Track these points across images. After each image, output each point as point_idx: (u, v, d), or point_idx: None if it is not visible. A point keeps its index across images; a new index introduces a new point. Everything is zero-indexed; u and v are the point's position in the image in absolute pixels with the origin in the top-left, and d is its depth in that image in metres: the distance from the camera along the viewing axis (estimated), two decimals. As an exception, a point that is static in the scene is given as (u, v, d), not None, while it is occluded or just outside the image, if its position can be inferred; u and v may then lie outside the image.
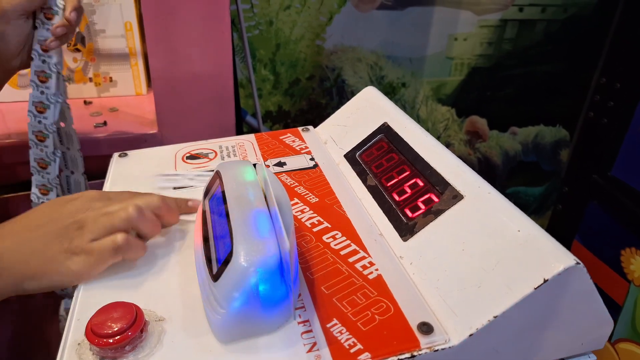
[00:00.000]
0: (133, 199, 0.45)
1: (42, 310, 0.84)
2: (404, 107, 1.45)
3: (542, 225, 0.40)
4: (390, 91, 1.43)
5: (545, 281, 0.34)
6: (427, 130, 1.50)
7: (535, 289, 0.34)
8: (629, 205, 0.85)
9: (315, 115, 1.39)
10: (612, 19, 0.89)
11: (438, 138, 1.51)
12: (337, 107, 0.68)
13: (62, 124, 0.68)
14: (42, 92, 0.65)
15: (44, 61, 0.64)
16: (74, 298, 0.41)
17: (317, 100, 1.38)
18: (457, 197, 0.44)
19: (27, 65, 0.65)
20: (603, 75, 0.89)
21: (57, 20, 0.63)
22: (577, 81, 1.50)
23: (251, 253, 0.35)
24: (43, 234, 0.42)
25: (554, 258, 0.35)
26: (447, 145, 1.53)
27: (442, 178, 0.47)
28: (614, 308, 0.90)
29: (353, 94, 0.67)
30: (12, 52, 0.63)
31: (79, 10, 0.65)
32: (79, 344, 0.36)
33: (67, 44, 0.64)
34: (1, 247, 0.41)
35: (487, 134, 1.54)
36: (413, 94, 1.44)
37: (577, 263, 0.34)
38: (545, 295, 0.35)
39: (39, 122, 0.65)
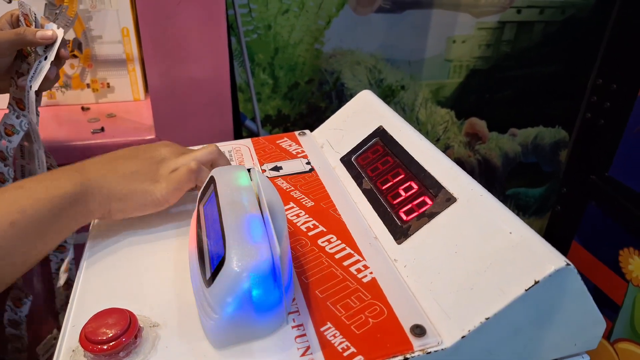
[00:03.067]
0: (206, 146, 0.53)
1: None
2: (403, 110, 1.45)
3: (542, 227, 0.40)
4: (389, 94, 1.43)
5: (536, 282, 0.34)
6: (427, 132, 1.50)
7: (526, 290, 0.34)
8: (627, 206, 0.85)
9: (315, 118, 1.39)
10: (608, 20, 0.89)
11: (438, 140, 1.51)
12: (337, 111, 0.68)
13: (25, 143, 0.69)
14: (17, 117, 0.66)
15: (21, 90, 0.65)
16: (68, 305, 0.41)
17: (317, 104, 1.38)
18: (450, 199, 0.44)
19: (3, 92, 0.66)
20: (599, 77, 0.89)
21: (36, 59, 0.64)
22: (576, 82, 1.50)
23: (243, 258, 0.35)
24: (130, 164, 0.48)
25: (544, 259, 0.35)
26: (447, 147, 1.53)
27: (436, 181, 0.47)
28: (612, 308, 0.90)
29: (352, 97, 0.68)
30: None
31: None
32: (73, 350, 0.36)
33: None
34: (89, 171, 0.46)
35: (486, 136, 1.54)
36: (412, 96, 1.45)
37: (568, 264, 0.34)
38: (537, 297, 0.35)
39: (4, 143, 0.66)
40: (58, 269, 0.74)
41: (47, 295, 0.77)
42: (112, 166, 0.47)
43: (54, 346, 0.67)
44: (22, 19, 0.62)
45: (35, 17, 0.63)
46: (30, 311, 0.71)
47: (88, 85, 0.94)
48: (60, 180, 0.44)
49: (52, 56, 0.62)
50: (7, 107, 0.67)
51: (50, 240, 0.43)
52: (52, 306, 0.75)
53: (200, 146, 0.54)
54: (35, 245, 0.42)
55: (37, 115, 0.68)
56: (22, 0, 0.63)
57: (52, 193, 0.42)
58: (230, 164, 0.54)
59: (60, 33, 0.62)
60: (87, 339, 0.35)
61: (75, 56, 0.90)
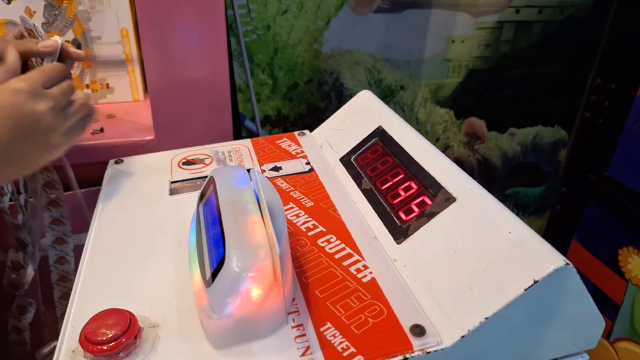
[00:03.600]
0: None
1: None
2: (402, 110, 1.45)
3: (541, 226, 0.40)
4: (388, 94, 1.43)
5: (535, 282, 0.34)
6: (426, 132, 1.50)
7: (525, 290, 0.34)
8: (626, 205, 0.85)
9: (314, 119, 1.39)
10: (607, 20, 0.89)
11: (437, 140, 1.51)
12: (336, 111, 0.68)
13: None
14: None
15: None
16: (68, 305, 0.41)
17: (316, 104, 1.38)
18: (449, 199, 0.45)
19: None
20: (598, 76, 0.89)
21: None
22: (575, 81, 1.50)
23: (243, 258, 0.35)
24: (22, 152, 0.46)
25: (544, 259, 0.35)
26: (446, 147, 1.53)
27: (435, 181, 0.47)
28: (612, 307, 0.90)
29: (351, 98, 0.68)
30: None
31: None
32: (73, 351, 0.36)
33: None
34: None
35: (485, 136, 1.54)
36: (411, 96, 1.45)
37: (567, 264, 0.34)
38: (536, 296, 0.35)
39: None
40: (56, 261, 0.74)
41: (50, 302, 0.77)
42: (4, 157, 0.46)
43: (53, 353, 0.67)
44: (25, 34, 0.63)
45: (39, 31, 0.63)
46: (33, 317, 0.71)
47: (87, 86, 0.94)
48: None
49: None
50: None
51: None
52: (54, 312, 0.75)
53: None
54: None
55: None
56: (24, 16, 0.63)
57: None
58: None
59: (59, 41, 0.63)
60: (87, 340, 0.35)
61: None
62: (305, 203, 0.54)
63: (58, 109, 0.48)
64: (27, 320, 0.71)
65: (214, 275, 0.36)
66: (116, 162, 0.64)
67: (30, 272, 0.70)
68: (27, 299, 0.71)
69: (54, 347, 0.69)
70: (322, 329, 0.38)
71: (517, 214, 0.40)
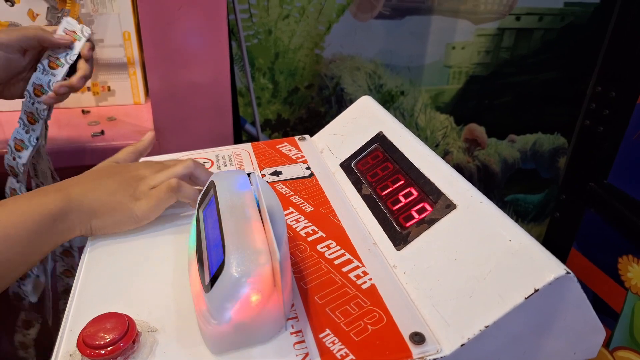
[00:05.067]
0: (182, 161, 0.53)
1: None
2: (402, 115, 1.46)
3: (540, 233, 0.40)
4: (389, 99, 1.43)
5: (536, 290, 0.34)
6: (426, 138, 1.50)
7: (526, 298, 0.34)
8: (626, 213, 0.85)
9: (314, 123, 1.40)
10: (607, 27, 0.90)
11: (437, 146, 1.52)
12: (336, 116, 0.68)
13: (36, 162, 0.70)
14: (27, 132, 0.66)
15: (33, 103, 0.65)
16: (66, 309, 0.41)
17: (316, 109, 1.39)
18: (450, 206, 0.44)
19: (6, 97, 0.66)
20: (598, 84, 0.90)
21: (60, 71, 0.64)
22: (575, 89, 1.51)
23: (243, 263, 0.35)
24: (110, 182, 0.48)
25: (544, 267, 0.35)
26: (446, 153, 1.53)
27: (436, 187, 0.47)
28: (612, 316, 0.90)
29: (352, 102, 0.68)
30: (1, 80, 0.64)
31: (87, 77, 0.66)
32: (70, 355, 0.36)
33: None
34: (71, 189, 0.47)
35: (485, 142, 1.55)
36: (412, 102, 1.45)
37: (568, 272, 0.34)
38: (537, 305, 0.35)
39: (14, 158, 0.66)
40: (62, 272, 0.74)
41: (55, 314, 0.77)
42: (93, 184, 0.48)
43: None
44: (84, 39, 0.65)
45: (84, 33, 0.64)
46: (39, 332, 0.71)
47: (89, 89, 0.94)
48: (43, 199, 0.45)
49: (70, 60, 0.63)
50: (18, 121, 0.67)
51: (33, 256, 0.44)
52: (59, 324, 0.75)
53: (175, 159, 0.56)
54: (18, 262, 0.43)
55: (46, 129, 0.68)
56: (69, 18, 0.64)
57: (36, 211, 0.43)
58: (209, 174, 0.53)
59: (79, 45, 0.64)
60: (85, 344, 0.34)
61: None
62: (305, 208, 0.54)
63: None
64: (31, 336, 0.71)
65: (213, 280, 0.35)
66: (116, 165, 0.64)
67: (40, 282, 0.71)
68: (33, 314, 0.71)
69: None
70: (321, 336, 0.38)
71: (516, 221, 0.40)
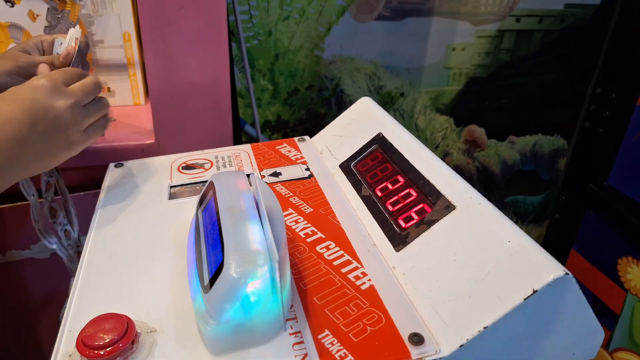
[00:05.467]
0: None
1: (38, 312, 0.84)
2: (402, 117, 1.46)
3: (540, 235, 0.40)
4: (388, 101, 1.43)
5: (534, 292, 0.34)
6: (426, 139, 1.50)
7: (524, 299, 0.34)
8: (625, 214, 0.85)
9: (314, 124, 1.40)
10: (607, 29, 0.90)
11: (436, 147, 1.51)
12: (336, 117, 0.68)
13: None
14: None
15: None
16: (65, 309, 0.41)
17: (316, 110, 1.38)
18: (449, 207, 0.44)
19: None
20: (598, 86, 0.90)
21: None
22: (575, 90, 1.51)
23: (242, 264, 0.35)
24: (41, 148, 0.48)
25: (543, 269, 0.35)
26: (446, 154, 1.53)
27: (435, 188, 0.47)
28: (611, 317, 0.90)
29: (352, 104, 0.68)
30: None
31: (85, 68, 0.65)
32: (69, 355, 0.36)
33: None
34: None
35: (485, 143, 1.55)
36: (411, 103, 1.45)
37: (566, 273, 0.34)
38: (535, 306, 0.35)
39: None
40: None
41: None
42: (23, 151, 0.47)
43: None
44: (73, 44, 0.64)
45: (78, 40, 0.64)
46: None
47: (98, 80, 0.94)
48: None
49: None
50: None
51: None
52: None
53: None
54: None
55: None
56: (61, 39, 0.64)
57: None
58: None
59: (73, 44, 0.63)
60: (84, 344, 0.34)
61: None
62: (305, 209, 0.54)
63: (78, 106, 0.49)
64: None
65: (212, 281, 0.35)
66: (116, 166, 0.64)
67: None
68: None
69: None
70: (320, 337, 0.38)
71: (516, 222, 0.40)
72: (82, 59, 0.65)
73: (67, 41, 0.63)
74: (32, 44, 0.63)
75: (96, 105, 0.52)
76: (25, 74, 0.60)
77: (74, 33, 0.64)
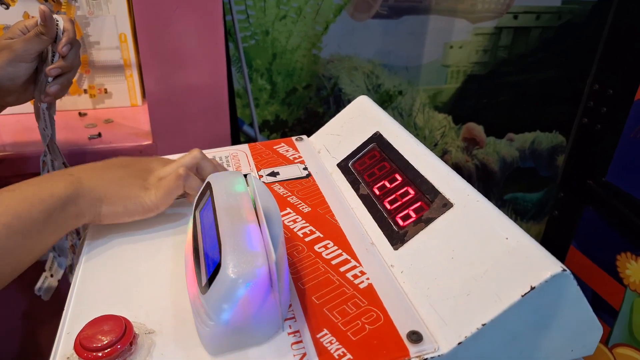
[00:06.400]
0: (189, 152, 0.54)
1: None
2: (400, 115, 1.46)
3: (539, 231, 0.40)
4: (387, 99, 1.43)
5: (532, 288, 0.34)
6: (424, 137, 1.50)
7: (522, 296, 0.34)
8: (624, 211, 0.85)
9: (313, 124, 1.39)
10: (605, 25, 0.90)
11: (435, 145, 1.51)
12: (334, 116, 0.68)
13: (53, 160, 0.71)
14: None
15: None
16: (64, 311, 0.41)
17: (314, 109, 1.38)
18: (446, 205, 0.44)
19: (21, 102, 0.66)
20: (596, 82, 0.90)
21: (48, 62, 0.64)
22: (573, 87, 1.51)
23: (239, 264, 0.35)
24: (121, 172, 0.50)
25: (541, 265, 0.35)
26: (445, 152, 1.53)
27: (432, 186, 0.47)
28: (610, 313, 0.90)
29: (350, 103, 0.68)
30: (14, 90, 0.64)
31: (74, 44, 0.65)
32: (67, 357, 0.36)
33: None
34: (82, 175, 0.47)
35: (484, 141, 1.55)
36: (410, 101, 1.45)
37: (564, 270, 0.34)
38: (533, 303, 0.35)
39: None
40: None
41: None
42: (103, 172, 0.49)
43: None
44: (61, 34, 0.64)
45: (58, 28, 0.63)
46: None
47: (85, 91, 0.94)
48: (53, 183, 0.45)
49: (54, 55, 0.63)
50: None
51: (44, 241, 0.44)
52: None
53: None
54: (29, 246, 0.42)
55: (52, 126, 0.68)
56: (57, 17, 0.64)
57: (45, 194, 0.43)
58: (214, 166, 0.54)
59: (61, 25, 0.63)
60: (82, 346, 0.34)
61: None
62: (303, 208, 0.54)
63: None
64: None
65: (210, 281, 0.35)
66: (113, 167, 0.64)
67: (52, 285, 0.71)
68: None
69: (45, 278, 0.70)
70: (318, 336, 0.38)
71: (515, 220, 0.40)
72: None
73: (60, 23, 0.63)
74: (18, 31, 0.63)
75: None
76: (23, 57, 0.61)
77: (60, 22, 0.63)
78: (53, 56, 0.63)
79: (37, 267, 0.77)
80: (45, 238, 0.43)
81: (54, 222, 0.43)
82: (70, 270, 0.74)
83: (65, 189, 0.44)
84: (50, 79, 0.63)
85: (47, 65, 0.63)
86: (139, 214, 0.49)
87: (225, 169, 0.57)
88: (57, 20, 0.63)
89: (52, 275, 0.72)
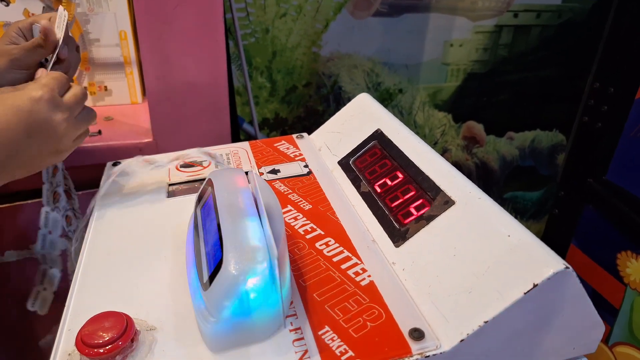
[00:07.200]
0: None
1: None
2: (400, 113, 1.45)
3: (539, 230, 0.40)
4: (387, 97, 1.43)
5: (535, 286, 0.34)
6: (424, 135, 1.50)
7: (525, 293, 0.34)
8: (624, 209, 0.85)
9: (312, 122, 1.39)
10: (605, 24, 0.90)
11: (435, 144, 1.51)
12: (334, 114, 0.68)
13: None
14: None
15: None
16: (65, 308, 0.41)
17: (314, 107, 1.38)
18: (448, 202, 0.44)
19: None
20: (596, 80, 0.90)
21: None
22: (573, 85, 1.51)
23: (241, 261, 0.35)
24: (31, 151, 0.48)
25: (543, 263, 0.35)
26: (445, 150, 1.53)
27: (434, 184, 0.47)
28: (611, 312, 0.90)
29: (350, 100, 0.67)
30: None
31: (68, 43, 0.64)
32: (69, 354, 0.36)
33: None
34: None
35: (484, 139, 1.54)
36: (410, 100, 1.45)
37: (567, 267, 0.34)
38: (536, 300, 0.35)
39: None
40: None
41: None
42: (12, 159, 0.47)
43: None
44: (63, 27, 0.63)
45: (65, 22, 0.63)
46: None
47: (85, 88, 0.94)
48: None
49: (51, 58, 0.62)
50: None
51: None
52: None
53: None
54: None
55: None
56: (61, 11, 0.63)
57: None
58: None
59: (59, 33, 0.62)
60: (84, 343, 0.34)
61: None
62: (304, 206, 0.54)
63: (72, 118, 0.50)
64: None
65: (212, 278, 0.35)
66: (114, 164, 0.64)
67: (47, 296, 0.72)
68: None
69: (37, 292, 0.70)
70: (320, 333, 0.38)
71: (515, 218, 0.40)
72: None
73: (61, 24, 0.63)
74: (14, 34, 0.62)
75: (85, 116, 0.53)
76: (22, 64, 0.60)
77: (63, 15, 0.63)
78: (46, 61, 0.63)
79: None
80: None
81: None
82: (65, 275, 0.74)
83: None
84: None
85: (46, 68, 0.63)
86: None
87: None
88: (62, 19, 0.63)
89: (45, 289, 0.72)
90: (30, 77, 0.63)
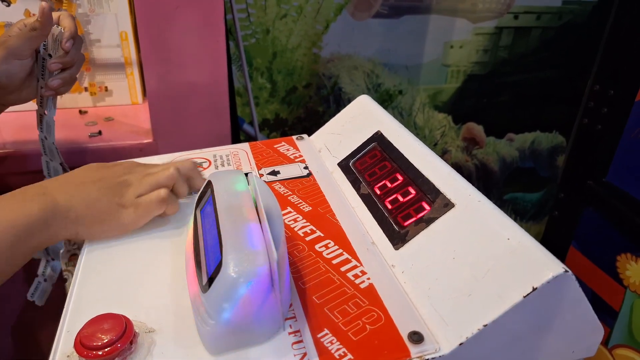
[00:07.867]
0: (171, 163, 0.52)
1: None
2: (400, 115, 1.45)
3: (539, 232, 0.40)
4: (387, 98, 1.43)
5: (534, 289, 0.34)
6: (424, 137, 1.50)
7: (524, 297, 0.34)
8: (624, 211, 0.85)
9: (313, 123, 1.39)
10: (605, 26, 0.90)
11: (435, 145, 1.51)
12: (334, 115, 0.68)
13: (45, 112, 0.69)
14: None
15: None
16: (64, 310, 0.41)
17: (314, 108, 1.38)
18: (448, 205, 0.44)
19: (22, 101, 0.66)
20: (596, 82, 0.90)
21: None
22: (573, 87, 1.51)
23: (240, 264, 0.35)
24: (96, 189, 0.47)
25: (543, 266, 0.35)
26: (444, 152, 1.53)
27: (434, 186, 0.47)
28: (610, 314, 0.90)
29: (350, 102, 0.67)
30: (14, 88, 0.63)
31: (76, 39, 0.64)
32: (67, 356, 0.36)
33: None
34: (56, 195, 0.45)
35: (484, 141, 1.54)
36: (410, 101, 1.45)
37: (566, 271, 0.34)
38: (535, 304, 0.35)
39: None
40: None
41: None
42: (78, 189, 0.46)
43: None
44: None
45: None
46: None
47: (86, 89, 0.94)
48: (26, 204, 0.43)
49: (53, 52, 0.63)
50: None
51: (16, 261, 0.43)
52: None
53: (159, 163, 0.54)
54: (2, 268, 0.42)
55: (51, 131, 0.68)
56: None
57: (19, 216, 0.42)
58: (189, 187, 0.53)
59: (56, 30, 0.63)
60: (82, 345, 0.34)
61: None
62: (303, 208, 0.54)
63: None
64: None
65: (211, 280, 0.35)
66: (113, 166, 0.63)
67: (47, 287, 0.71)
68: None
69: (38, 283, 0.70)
70: (319, 336, 0.38)
71: (514, 220, 0.40)
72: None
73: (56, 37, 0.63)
74: (17, 29, 0.62)
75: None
76: (18, 54, 0.60)
77: (56, 32, 0.63)
78: (44, 61, 0.63)
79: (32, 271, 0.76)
80: (18, 259, 0.43)
81: (27, 244, 0.42)
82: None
83: (39, 212, 0.43)
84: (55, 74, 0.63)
85: (47, 62, 0.63)
86: (116, 232, 0.48)
87: (202, 182, 0.51)
88: (58, 26, 0.63)
89: (45, 280, 0.71)
90: (26, 69, 0.63)
